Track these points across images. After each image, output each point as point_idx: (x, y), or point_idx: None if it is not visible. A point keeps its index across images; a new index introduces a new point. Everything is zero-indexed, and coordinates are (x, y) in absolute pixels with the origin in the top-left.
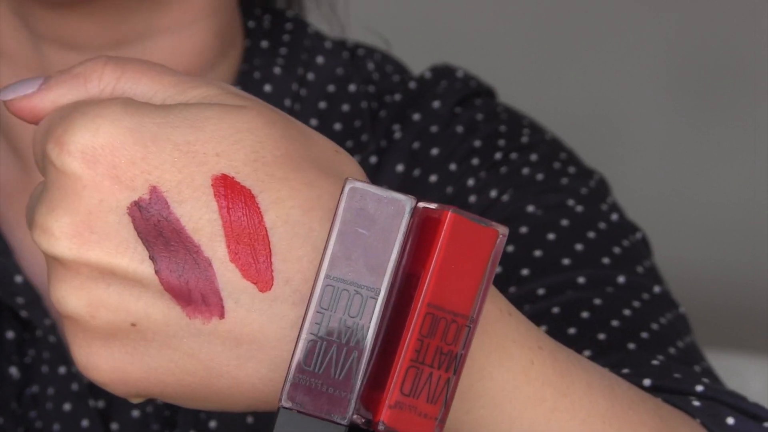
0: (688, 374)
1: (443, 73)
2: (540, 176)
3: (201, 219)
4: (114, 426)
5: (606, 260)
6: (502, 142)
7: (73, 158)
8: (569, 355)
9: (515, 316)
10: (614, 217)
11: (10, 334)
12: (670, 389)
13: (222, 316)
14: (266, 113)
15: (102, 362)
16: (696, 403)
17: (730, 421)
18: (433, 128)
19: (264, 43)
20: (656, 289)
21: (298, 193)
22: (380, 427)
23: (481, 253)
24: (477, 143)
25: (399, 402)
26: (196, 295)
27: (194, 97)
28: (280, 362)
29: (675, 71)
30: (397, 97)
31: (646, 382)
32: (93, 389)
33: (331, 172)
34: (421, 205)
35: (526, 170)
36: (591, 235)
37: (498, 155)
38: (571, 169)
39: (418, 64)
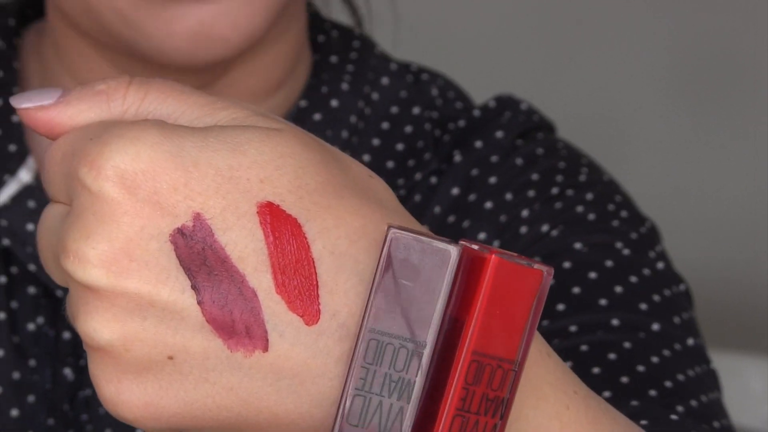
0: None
1: (507, 103)
2: (592, 216)
3: (246, 248)
4: None
5: (644, 306)
6: (559, 178)
7: (111, 183)
8: (599, 403)
9: (553, 358)
10: (660, 265)
11: (66, 335)
12: None
13: (265, 349)
14: (302, 136)
15: (133, 398)
16: None
17: None
18: (494, 158)
19: (333, 58)
20: (690, 341)
21: (344, 223)
22: None
23: (526, 294)
24: (535, 176)
25: None
26: (239, 327)
27: (223, 118)
28: (321, 399)
29: (678, 72)
30: (461, 123)
31: None
32: None
33: (371, 199)
34: (463, 243)
35: (580, 208)
36: (633, 279)
37: (554, 190)
38: (624, 213)
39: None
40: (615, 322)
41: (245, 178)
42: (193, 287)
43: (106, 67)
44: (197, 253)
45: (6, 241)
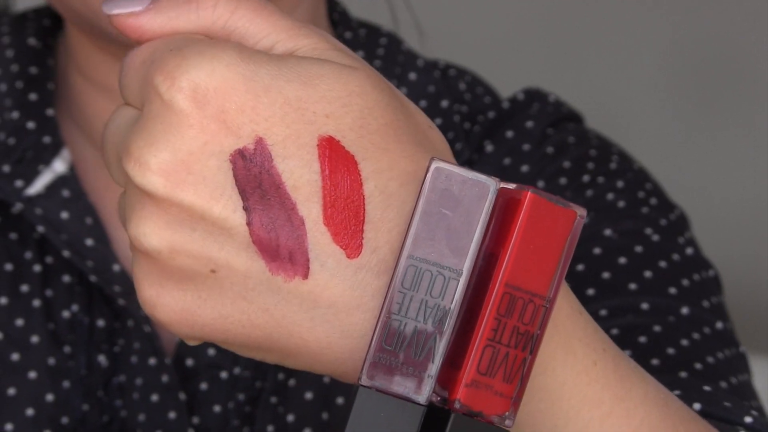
0: (739, 405)
1: (536, 96)
2: (622, 203)
3: (302, 178)
4: (195, 419)
5: (673, 290)
6: (591, 165)
7: (183, 95)
8: (629, 362)
9: (584, 316)
10: (689, 251)
11: (100, 323)
12: (719, 417)
13: (305, 276)
14: (375, 77)
15: (172, 302)
16: None
17: None
18: (525, 146)
19: (360, 54)
20: (719, 325)
21: (397, 166)
22: (456, 405)
23: (560, 233)
24: (566, 164)
25: (475, 381)
26: (283, 252)
27: (305, 45)
28: (353, 330)
29: (678, 72)
30: (491, 115)
31: (696, 406)
32: (182, 382)
33: (427, 147)
34: (501, 185)
35: (610, 196)
36: (662, 264)
37: (586, 178)
38: (654, 201)
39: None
40: (645, 306)
41: (311, 111)
42: (245, 208)
43: (111, 61)
44: (254, 176)
45: (41, 229)
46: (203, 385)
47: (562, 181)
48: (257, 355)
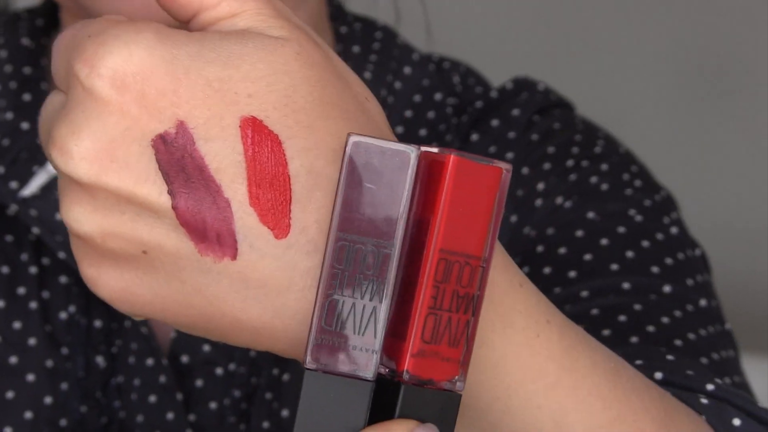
0: (702, 373)
1: (524, 84)
2: (605, 186)
3: (225, 159)
4: (192, 417)
5: (656, 269)
6: (575, 150)
7: (103, 81)
8: (578, 333)
9: (526, 287)
10: (674, 230)
11: (98, 324)
12: (681, 385)
13: (234, 257)
14: (307, 51)
15: (111, 282)
16: (704, 400)
17: (737, 422)
18: (511, 134)
19: (356, 48)
20: (702, 302)
21: (324, 144)
22: (405, 376)
23: (488, 192)
24: (551, 149)
25: (421, 350)
26: (211, 234)
27: (251, 9)
28: (285, 310)
29: (677, 73)
30: (479, 105)
31: (657, 375)
32: (178, 381)
33: (361, 122)
34: (423, 148)
35: (594, 179)
36: (645, 244)
37: (570, 162)
38: (638, 182)
39: None
40: (626, 285)
41: (233, 91)
42: (170, 192)
43: None
44: (177, 160)
45: (36, 230)
46: (199, 382)
47: (546, 166)
48: (198, 332)
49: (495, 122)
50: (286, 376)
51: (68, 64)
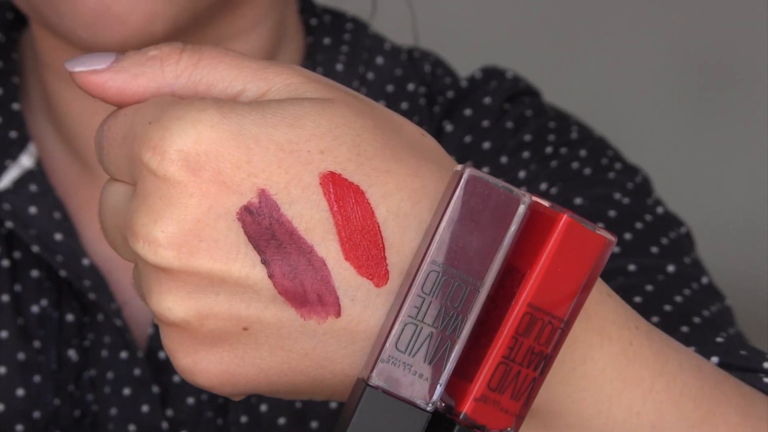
0: (753, 351)
1: (493, 73)
2: (588, 170)
3: (312, 219)
4: (169, 412)
5: (655, 249)
6: (552, 137)
7: (176, 166)
8: (661, 335)
9: (614, 298)
10: (660, 210)
11: (70, 317)
12: (738, 367)
13: (338, 315)
14: (355, 104)
15: (210, 367)
16: (766, 380)
17: None
18: (485, 123)
19: (326, 40)
20: (704, 279)
21: (405, 185)
22: (462, 416)
23: (588, 258)
24: (527, 137)
25: (484, 396)
26: (311, 296)
27: (278, 83)
28: None
29: (677, 73)
30: (450, 94)
31: (714, 359)
32: (155, 375)
33: (428, 158)
34: (535, 198)
35: (575, 164)
36: (638, 225)
37: (548, 149)
38: (618, 165)
39: None
40: (632, 267)
41: (305, 151)
42: (263, 262)
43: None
44: (265, 228)
45: (9, 224)
46: (176, 378)
47: (525, 154)
48: (305, 396)
49: (467, 111)
50: None
51: (132, 155)
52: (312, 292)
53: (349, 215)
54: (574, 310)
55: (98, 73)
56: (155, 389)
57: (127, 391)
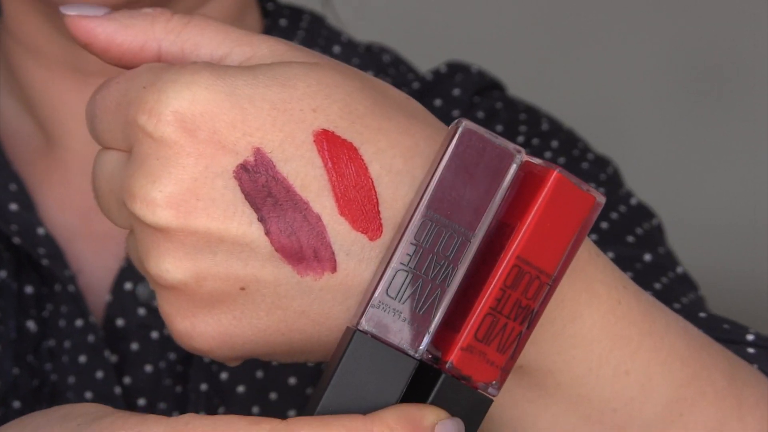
0: (736, 325)
1: (458, 67)
2: (561, 160)
3: (308, 175)
4: (126, 380)
5: (630, 239)
6: (523, 128)
7: (173, 127)
8: (648, 296)
9: (602, 258)
10: (633, 201)
11: (28, 289)
12: (723, 339)
13: (334, 270)
14: (340, 68)
15: (209, 329)
16: (750, 350)
17: None
18: (455, 113)
19: (283, 22)
20: (679, 269)
21: (397, 143)
22: (448, 366)
23: (576, 216)
24: (499, 128)
25: (471, 346)
26: (307, 252)
27: (263, 49)
28: None
29: (677, 73)
30: (415, 86)
31: None
32: (108, 342)
33: (417, 117)
34: (527, 158)
35: (548, 155)
36: (613, 216)
37: (520, 139)
38: (590, 156)
39: (417, 62)
40: (610, 255)
41: (298, 109)
42: (260, 219)
43: (41, 22)
44: (261, 186)
45: None
46: (134, 346)
47: None
48: (301, 358)
49: (438, 102)
50: None
51: (128, 120)
52: (308, 248)
53: (343, 171)
54: (562, 266)
55: (90, 18)
56: (107, 355)
57: (82, 359)
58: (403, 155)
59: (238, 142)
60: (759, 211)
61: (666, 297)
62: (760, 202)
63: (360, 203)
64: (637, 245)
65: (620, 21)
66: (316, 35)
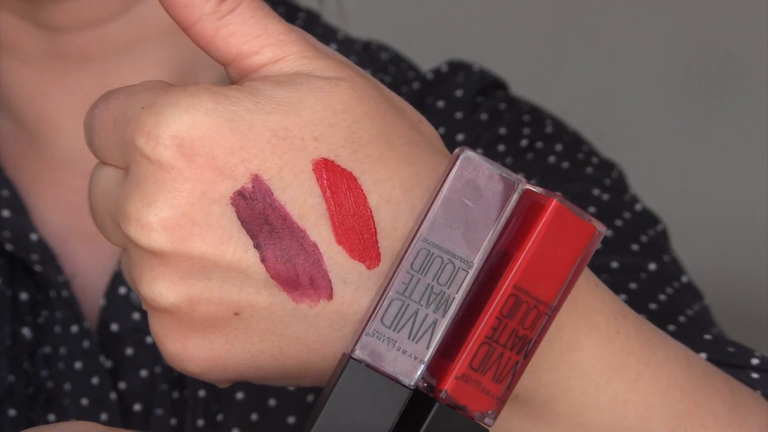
0: (742, 348)
1: (460, 66)
2: (565, 164)
3: (305, 204)
4: (122, 385)
5: (635, 247)
6: (527, 131)
7: (170, 152)
8: (648, 325)
9: (600, 287)
10: (638, 207)
11: (23, 296)
12: (727, 363)
13: (330, 297)
14: (360, 86)
15: (200, 353)
16: (754, 375)
17: None
18: (458, 114)
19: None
20: (684, 278)
21: (397, 173)
22: (442, 395)
23: (576, 245)
24: (502, 130)
25: (466, 375)
26: (303, 280)
27: (293, 53)
28: None
29: (678, 73)
30: (415, 85)
31: (702, 356)
32: (103, 347)
33: (423, 145)
34: (528, 186)
35: (551, 158)
36: (618, 223)
37: (524, 142)
38: (594, 160)
39: (417, 61)
40: (614, 264)
41: (299, 138)
42: (256, 246)
43: (20, 21)
44: (258, 213)
45: None
46: (129, 350)
47: (501, 148)
48: (294, 382)
49: (440, 103)
50: None
51: (125, 140)
52: (304, 275)
53: (342, 201)
54: (561, 297)
55: None
56: (102, 360)
57: (78, 365)
58: (403, 186)
59: (236, 168)
60: (759, 211)
61: (671, 309)
62: (760, 202)
63: (358, 232)
64: (641, 254)
65: (622, 21)
66: (311, 33)
